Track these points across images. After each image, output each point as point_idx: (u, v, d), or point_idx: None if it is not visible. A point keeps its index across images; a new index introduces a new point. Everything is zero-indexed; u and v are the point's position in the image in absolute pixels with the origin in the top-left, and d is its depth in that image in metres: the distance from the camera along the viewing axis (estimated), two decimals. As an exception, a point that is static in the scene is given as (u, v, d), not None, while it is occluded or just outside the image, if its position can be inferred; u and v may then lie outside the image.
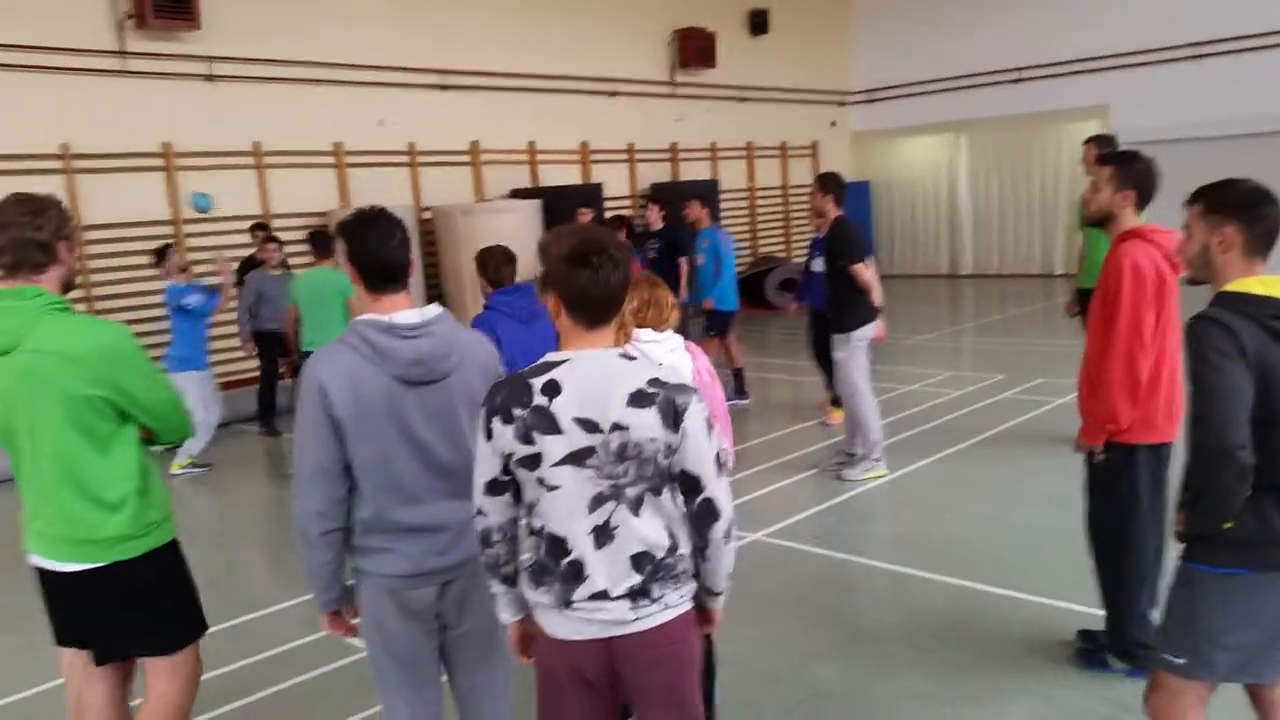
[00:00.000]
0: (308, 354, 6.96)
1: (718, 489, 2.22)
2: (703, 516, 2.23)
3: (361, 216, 2.56)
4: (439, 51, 12.70)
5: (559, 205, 12.30)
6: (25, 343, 2.65)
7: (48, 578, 2.87)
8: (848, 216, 6.71)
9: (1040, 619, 4.41)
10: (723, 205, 15.89)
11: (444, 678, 2.75)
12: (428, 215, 12.59)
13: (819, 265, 7.65)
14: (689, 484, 2.20)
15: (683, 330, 3.42)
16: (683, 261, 9.42)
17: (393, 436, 2.46)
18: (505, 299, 4.59)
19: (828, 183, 6.68)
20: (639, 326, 3.35)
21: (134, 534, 2.80)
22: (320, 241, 7.80)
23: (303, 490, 2.50)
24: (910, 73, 18.26)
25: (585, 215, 10.44)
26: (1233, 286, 2.52)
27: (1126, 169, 3.65)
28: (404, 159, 12.62)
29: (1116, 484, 3.64)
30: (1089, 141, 6.69)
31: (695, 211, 9.20)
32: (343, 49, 11.76)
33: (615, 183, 14.89)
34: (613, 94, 14.88)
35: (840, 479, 6.68)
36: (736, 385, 9.11)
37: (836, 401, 7.83)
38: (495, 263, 4.66)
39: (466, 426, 2.54)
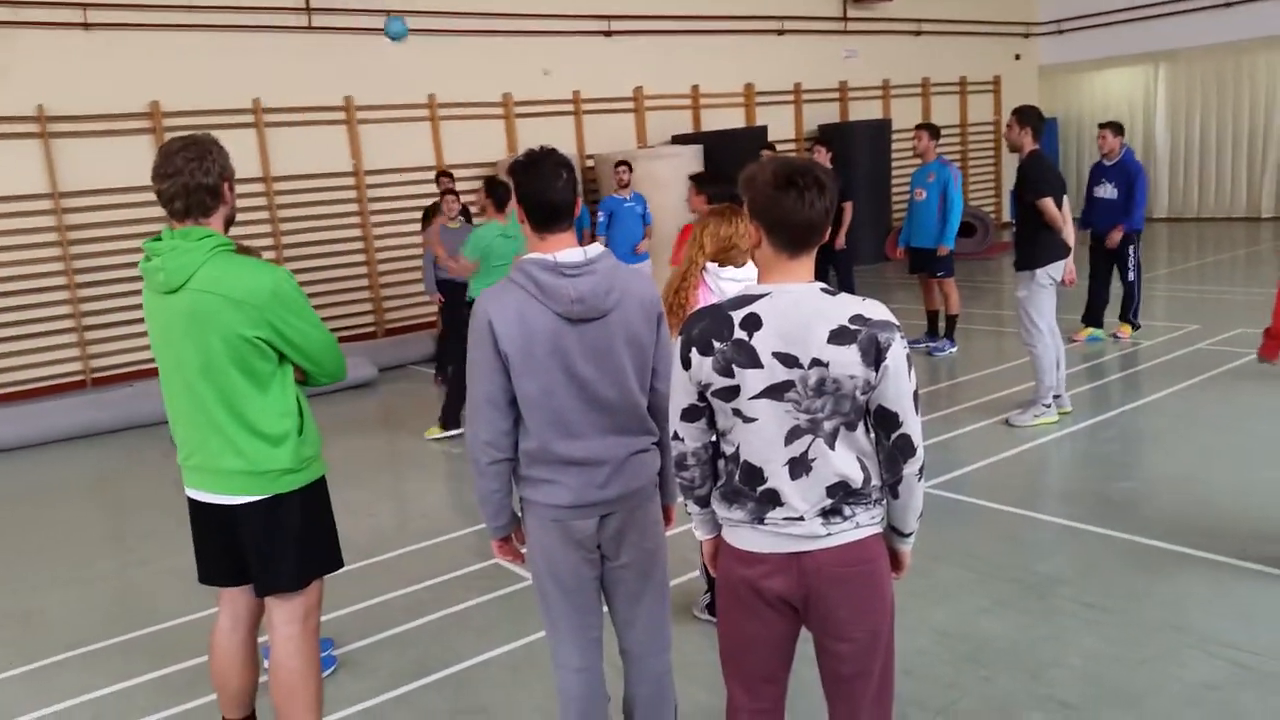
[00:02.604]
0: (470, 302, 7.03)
1: (914, 426, 2.20)
2: (898, 453, 2.22)
3: (531, 157, 2.59)
4: (602, -1, 12.72)
5: (721, 149, 12.16)
6: (192, 282, 2.74)
7: (209, 511, 2.97)
8: (1043, 151, 6.41)
9: (1226, 580, 4.12)
10: (895, 145, 15.31)
11: (605, 609, 2.82)
12: (591, 163, 12.71)
13: (1102, 191, 8.56)
14: (887, 420, 2.19)
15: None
16: (846, 207, 9.13)
17: (556, 372, 2.52)
18: None
19: (1025, 115, 6.38)
20: (720, 264, 3.50)
21: (293, 468, 2.90)
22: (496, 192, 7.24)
23: (474, 421, 2.60)
24: (1104, 0, 16.97)
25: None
26: None
27: None
28: (569, 107, 12.75)
29: None
30: None
31: (923, 143, 8.67)
32: (510, 0, 11.94)
33: (780, 125, 14.57)
34: (780, 32, 14.52)
35: (1009, 424, 6.46)
36: (946, 330, 8.81)
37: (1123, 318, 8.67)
38: None
39: (627, 363, 2.58)
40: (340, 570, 3.19)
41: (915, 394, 2.20)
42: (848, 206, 9.16)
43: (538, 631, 3.97)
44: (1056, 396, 6.48)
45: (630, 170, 9.88)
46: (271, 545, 2.93)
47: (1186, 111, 16.93)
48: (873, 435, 2.24)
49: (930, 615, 4.01)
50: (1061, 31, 17.83)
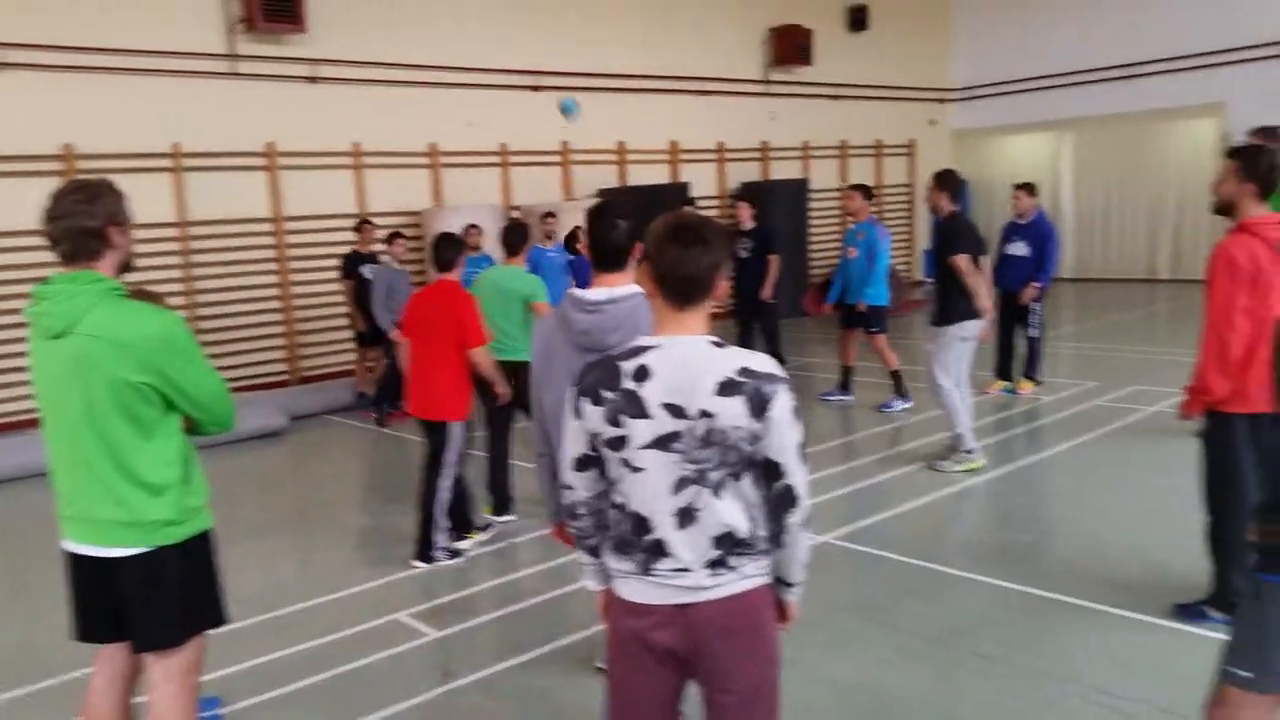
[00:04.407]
0: (506, 365, 5.91)
1: (798, 477, 2.25)
2: (782, 503, 2.26)
3: (598, 206, 3.01)
4: (531, 54, 12.88)
5: (644, 204, 12.33)
6: (79, 326, 2.68)
7: (87, 564, 2.87)
8: (961, 212, 6.69)
9: (1117, 631, 4.26)
10: (812, 205, 15.71)
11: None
12: (517, 214, 12.78)
13: (1014, 249, 8.86)
14: (771, 471, 2.23)
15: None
16: (772, 260, 9.34)
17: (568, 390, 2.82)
18: None
19: (945, 180, 6.76)
20: None
21: (175, 520, 2.81)
22: (512, 236, 6.50)
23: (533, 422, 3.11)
24: (1014, 69, 17.75)
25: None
26: None
27: (1249, 163, 3.88)
28: (496, 159, 12.84)
29: (1217, 450, 4.10)
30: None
31: (855, 203, 8.83)
32: (439, 52, 12.03)
33: (704, 182, 14.87)
34: (704, 93, 14.86)
35: (934, 469, 6.67)
36: (895, 387, 8.71)
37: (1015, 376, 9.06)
38: None
39: None
40: (225, 627, 3.11)
41: (800, 446, 2.25)
42: (774, 260, 9.35)
43: (437, 688, 3.93)
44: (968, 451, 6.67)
45: (557, 220, 10.00)
46: (150, 600, 2.84)
47: (1091, 177, 17.71)
48: (758, 486, 2.29)
49: (828, 667, 4.06)
50: (974, 98, 18.58)
